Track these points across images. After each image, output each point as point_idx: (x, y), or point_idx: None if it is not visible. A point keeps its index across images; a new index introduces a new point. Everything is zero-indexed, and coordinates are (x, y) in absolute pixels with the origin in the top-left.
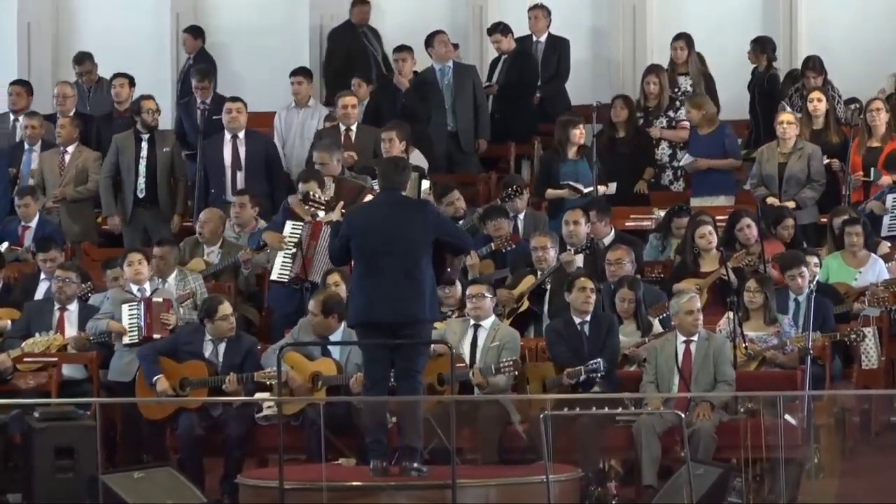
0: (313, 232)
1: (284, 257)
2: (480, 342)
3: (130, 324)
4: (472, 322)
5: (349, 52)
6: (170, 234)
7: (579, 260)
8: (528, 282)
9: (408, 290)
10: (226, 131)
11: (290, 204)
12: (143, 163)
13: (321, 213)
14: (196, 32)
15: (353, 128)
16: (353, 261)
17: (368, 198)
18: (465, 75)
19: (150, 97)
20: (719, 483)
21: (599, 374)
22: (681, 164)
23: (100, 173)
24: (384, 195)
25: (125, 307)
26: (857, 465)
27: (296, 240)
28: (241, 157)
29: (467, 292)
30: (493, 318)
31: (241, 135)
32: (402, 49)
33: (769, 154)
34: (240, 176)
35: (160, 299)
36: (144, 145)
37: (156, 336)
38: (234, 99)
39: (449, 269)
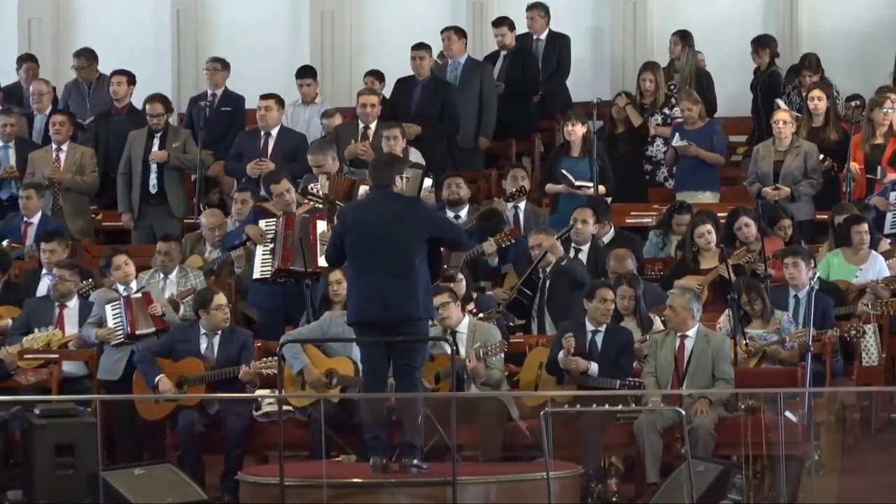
0: (287, 222)
1: (263, 255)
2: (462, 348)
3: (115, 323)
4: (448, 330)
5: None
6: (176, 231)
7: (579, 253)
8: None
9: (399, 289)
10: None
11: (261, 204)
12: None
13: (319, 206)
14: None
15: (372, 126)
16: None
17: (363, 188)
18: (474, 72)
19: (155, 99)
20: (720, 480)
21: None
22: (674, 144)
23: (97, 168)
24: (375, 192)
25: (108, 307)
26: (858, 462)
27: (271, 234)
28: (268, 154)
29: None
30: (466, 319)
31: (274, 132)
32: (421, 47)
33: (765, 152)
34: None
35: (139, 295)
36: (156, 141)
37: (139, 332)
38: (266, 96)
39: (445, 266)
